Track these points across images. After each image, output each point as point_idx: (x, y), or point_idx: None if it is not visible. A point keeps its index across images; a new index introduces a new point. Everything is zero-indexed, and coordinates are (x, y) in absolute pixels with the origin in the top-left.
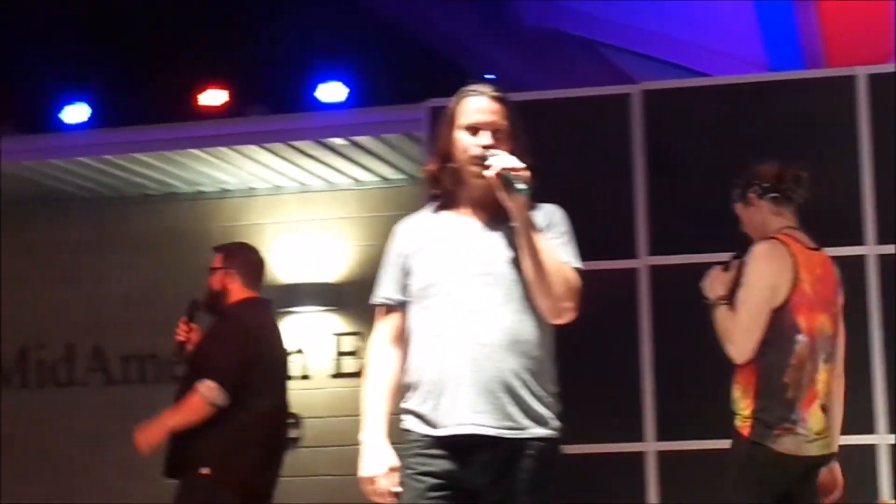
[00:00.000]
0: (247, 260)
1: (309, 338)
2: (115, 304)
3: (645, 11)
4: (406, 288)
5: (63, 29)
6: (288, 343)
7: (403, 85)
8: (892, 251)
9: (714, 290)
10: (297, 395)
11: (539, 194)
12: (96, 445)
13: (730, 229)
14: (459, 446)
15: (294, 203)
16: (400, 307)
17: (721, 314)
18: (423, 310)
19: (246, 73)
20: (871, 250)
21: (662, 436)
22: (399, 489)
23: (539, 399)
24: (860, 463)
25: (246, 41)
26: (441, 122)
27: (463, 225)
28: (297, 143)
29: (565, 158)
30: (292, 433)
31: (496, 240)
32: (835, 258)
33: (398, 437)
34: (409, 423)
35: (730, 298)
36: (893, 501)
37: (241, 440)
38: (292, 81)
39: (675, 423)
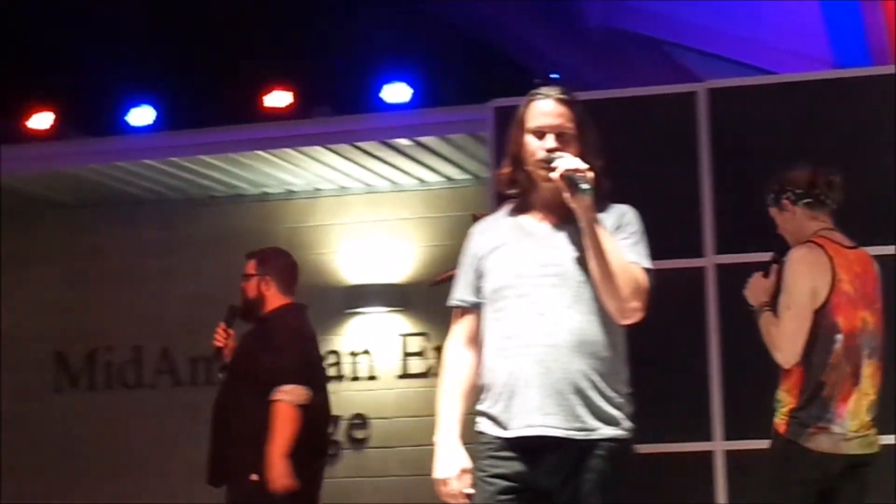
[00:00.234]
0: (282, 266)
1: (375, 339)
2: (183, 306)
3: (709, 9)
4: (479, 290)
5: (129, 31)
6: (355, 344)
7: (468, 85)
8: None
9: (756, 296)
10: (365, 395)
11: (608, 194)
12: (164, 447)
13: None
14: (529, 448)
15: (359, 204)
16: (474, 309)
17: (765, 320)
18: (495, 312)
19: (311, 75)
20: None
21: (730, 435)
22: (471, 490)
23: (609, 400)
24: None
25: (310, 43)
26: (512, 125)
27: (534, 227)
28: (362, 144)
29: (631, 157)
30: (337, 435)
31: (566, 241)
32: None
33: (473, 438)
34: (483, 424)
35: (772, 304)
36: None
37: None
38: (357, 82)
39: (743, 422)
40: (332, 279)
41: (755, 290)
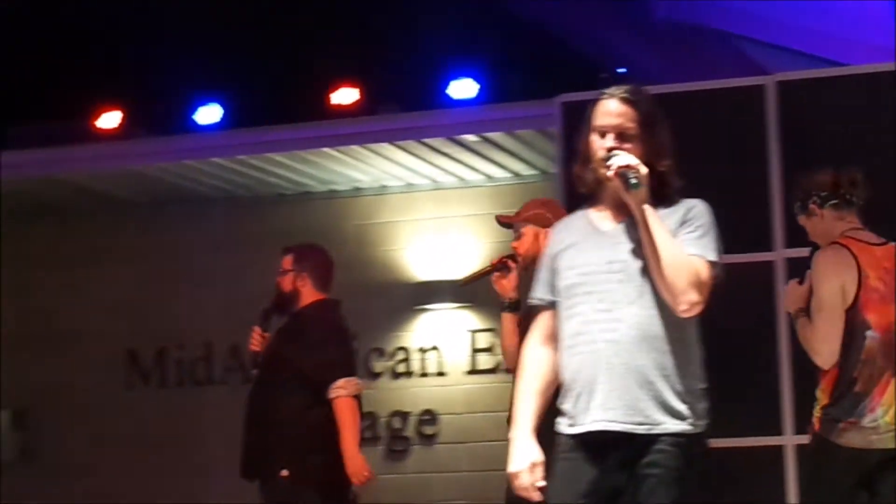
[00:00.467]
0: (319, 262)
1: (444, 335)
2: (252, 303)
3: (777, 1)
4: (555, 288)
5: (196, 30)
6: (424, 340)
7: (535, 80)
8: None
9: (793, 302)
10: (434, 391)
11: (678, 190)
12: (234, 444)
13: (866, 220)
14: (596, 444)
15: (427, 200)
16: (551, 307)
17: (801, 325)
18: (566, 309)
19: (378, 72)
20: None
21: (801, 429)
22: (542, 483)
23: (676, 394)
24: None
25: (377, 39)
26: (583, 124)
27: (603, 224)
28: (429, 141)
29: (700, 151)
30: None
31: (631, 238)
32: None
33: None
34: (559, 423)
35: (808, 310)
36: None
37: (318, 440)
38: (424, 79)
39: None
40: (400, 276)
41: (791, 296)
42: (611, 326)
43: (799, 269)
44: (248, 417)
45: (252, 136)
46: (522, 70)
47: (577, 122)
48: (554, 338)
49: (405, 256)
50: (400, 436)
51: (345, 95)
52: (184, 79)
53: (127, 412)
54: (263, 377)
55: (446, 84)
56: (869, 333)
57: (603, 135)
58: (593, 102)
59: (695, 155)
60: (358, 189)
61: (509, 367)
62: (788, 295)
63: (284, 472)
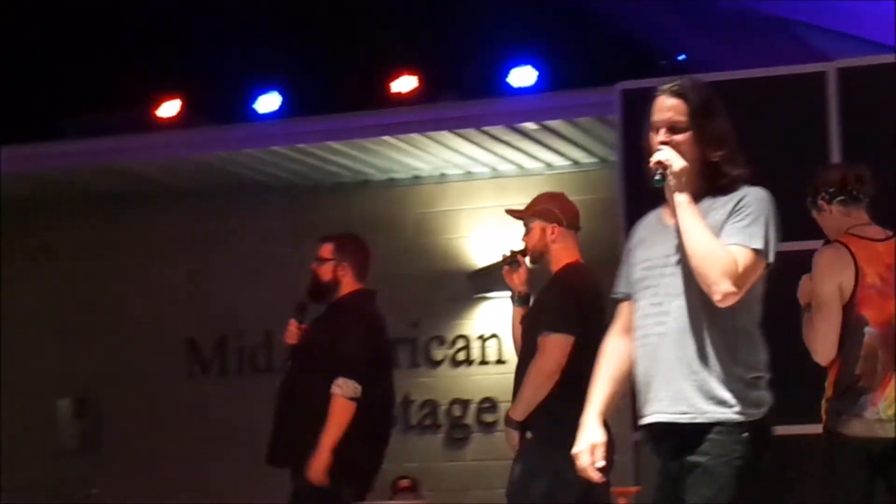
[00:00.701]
0: (358, 252)
1: (503, 323)
2: None
3: None
4: (630, 282)
5: (255, 19)
6: (483, 328)
7: (595, 67)
8: None
9: (804, 297)
10: (493, 379)
11: (741, 177)
12: None
13: None
14: (656, 435)
15: (486, 188)
16: (628, 299)
17: (805, 321)
18: (635, 303)
19: (437, 60)
20: None
21: None
22: (602, 463)
23: (721, 382)
24: None
25: (436, 27)
26: (644, 118)
27: (666, 219)
28: (488, 129)
29: (760, 138)
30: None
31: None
32: None
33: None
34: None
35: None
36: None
37: (354, 428)
38: (483, 67)
39: None
40: (460, 264)
41: (804, 290)
42: (660, 320)
43: None
44: (280, 405)
45: (311, 125)
46: (582, 57)
47: (636, 110)
48: (630, 329)
49: (465, 245)
50: (460, 423)
51: (404, 84)
52: (243, 67)
53: (187, 400)
54: (299, 366)
55: (506, 72)
56: (867, 330)
57: (657, 131)
58: (652, 99)
59: (755, 142)
60: (417, 177)
61: (519, 359)
62: (801, 288)
63: None
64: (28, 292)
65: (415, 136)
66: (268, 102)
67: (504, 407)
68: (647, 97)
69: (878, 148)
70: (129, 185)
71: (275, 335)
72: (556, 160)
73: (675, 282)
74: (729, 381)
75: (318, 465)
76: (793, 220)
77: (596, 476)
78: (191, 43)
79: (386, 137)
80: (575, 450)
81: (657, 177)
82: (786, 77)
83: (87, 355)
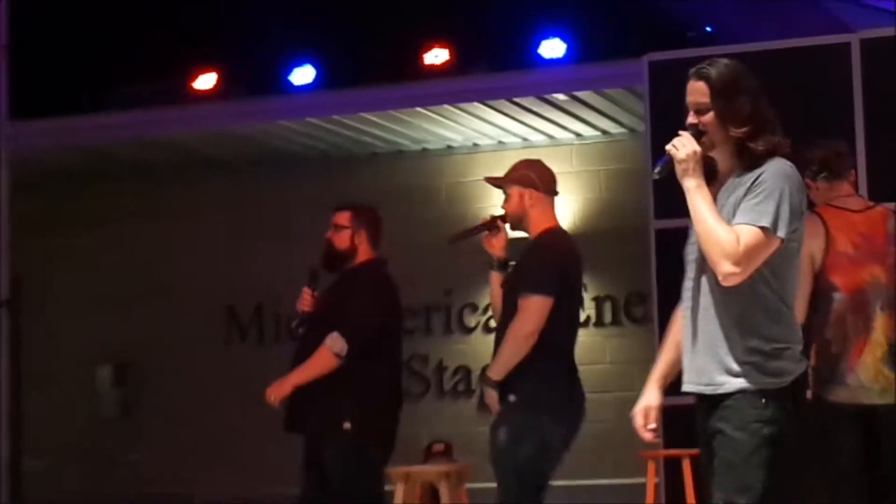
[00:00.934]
0: (374, 221)
1: None
2: None
3: None
4: None
5: None
6: None
7: (623, 39)
8: None
9: None
10: None
11: (762, 153)
12: None
13: None
14: (694, 402)
15: (517, 158)
16: None
17: None
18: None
19: (468, 32)
20: None
21: None
22: (653, 425)
23: (740, 355)
24: None
25: (467, 1)
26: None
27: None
28: (519, 100)
29: (784, 108)
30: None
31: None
32: None
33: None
34: None
35: None
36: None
37: (377, 393)
38: (513, 39)
39: None
40: None
41: None
42: (691, 295)
43: None
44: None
45: (346, 97)
46: (611, 29)
47: (664, 81)
48: None
49: (496, 213)
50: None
51: (436, 56)
52: (279, 40)
53: (225, 367)
54: (314, 333)
55: (536, 44)
56: (836, 295)
57: (689, 113)
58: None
59: (780, 113)
60: (450, 147)
61: (498, 323)
62: None
63: (347, 425)
64: (71, 262)
65: (447, 107)
66: (303, 75)
67: None
68: (674, 68)
69: None
70: (169, 156)
71: None
72: (586, 130)
73: (703, 259)
74: (746, 353)
75: (278, 393)
76: None
77: (648, 437)
78: (227, 17)
79: (419, 109)
80: (633, 411)
81: (657, 169)
82: (810, 48)
83: (126, 323)
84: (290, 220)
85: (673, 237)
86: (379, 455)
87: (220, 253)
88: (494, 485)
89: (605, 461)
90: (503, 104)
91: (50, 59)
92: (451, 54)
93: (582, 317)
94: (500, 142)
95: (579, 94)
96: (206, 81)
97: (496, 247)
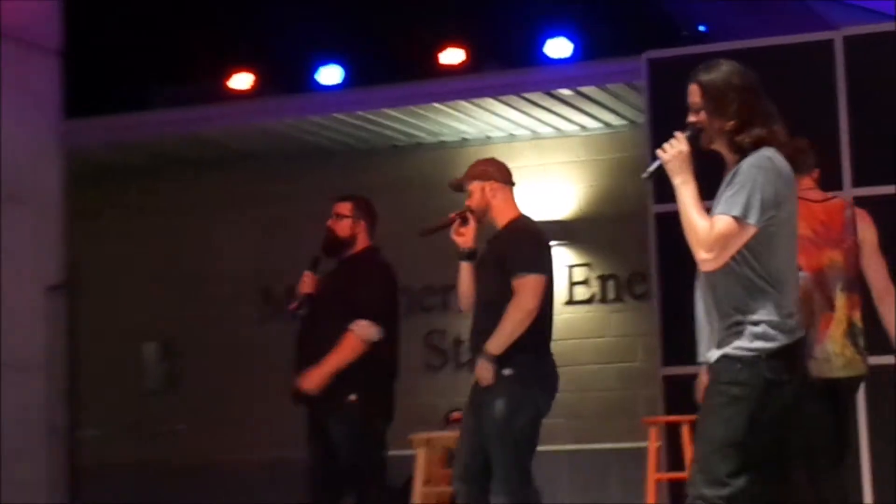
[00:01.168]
0: (372, 212)
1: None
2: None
3: None
4: None
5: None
6: None
7: (624, 37)
8: None
9: None
10: None
11: (748, 146)
12: None
13: None
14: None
15: (527, 150)
16: None
17: None
18: None
19: (481, 33)
20: None
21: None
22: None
23: (725, 328)
24: None
25: (480, 3)
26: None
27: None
28: (528, 95)
29: None
30: None
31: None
32: None
33: None
34: None
35: None
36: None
37: (379, 368)
38: (523, 39)
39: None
40: None
41: None
42: (703, 275)
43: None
44: (302, 350)
45: (369, 94)
46: (612, 28)
47: (661, 76)
48: None
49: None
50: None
51: (452, 55)
52: (307, 43)
53: (261, 343)
54: (318, 313)
55: (543, 43)
56: (801, 275)
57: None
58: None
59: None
60: (465, 140)
61: (463, 309)
62: None
63: (353, 397)
64: (120, 248)
65: (462, 102)
66: (329, 74)
67: None
68: (671, 64)
69: (883, 113)
70: (208, 150)
71: None
72: (590, 123)
73: None
74: (730, 326)
75: (316, 383)
76: None
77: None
78: (260, 21)
79: (436, 104)
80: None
81: (647, 171)
82: (794, 45)
83: (172, 303)
84: (318, 208)
85: (671, 220)
86: (382, 425)
87: (254, 239)
88: None
89: (609, 427)
90: (513, 99)
91: (100, 63)
92: (465, 54)
93: (587, 294)
94: (511, 134)
95: (583, 89)
96: (241, 81)
97: (467, 237)
